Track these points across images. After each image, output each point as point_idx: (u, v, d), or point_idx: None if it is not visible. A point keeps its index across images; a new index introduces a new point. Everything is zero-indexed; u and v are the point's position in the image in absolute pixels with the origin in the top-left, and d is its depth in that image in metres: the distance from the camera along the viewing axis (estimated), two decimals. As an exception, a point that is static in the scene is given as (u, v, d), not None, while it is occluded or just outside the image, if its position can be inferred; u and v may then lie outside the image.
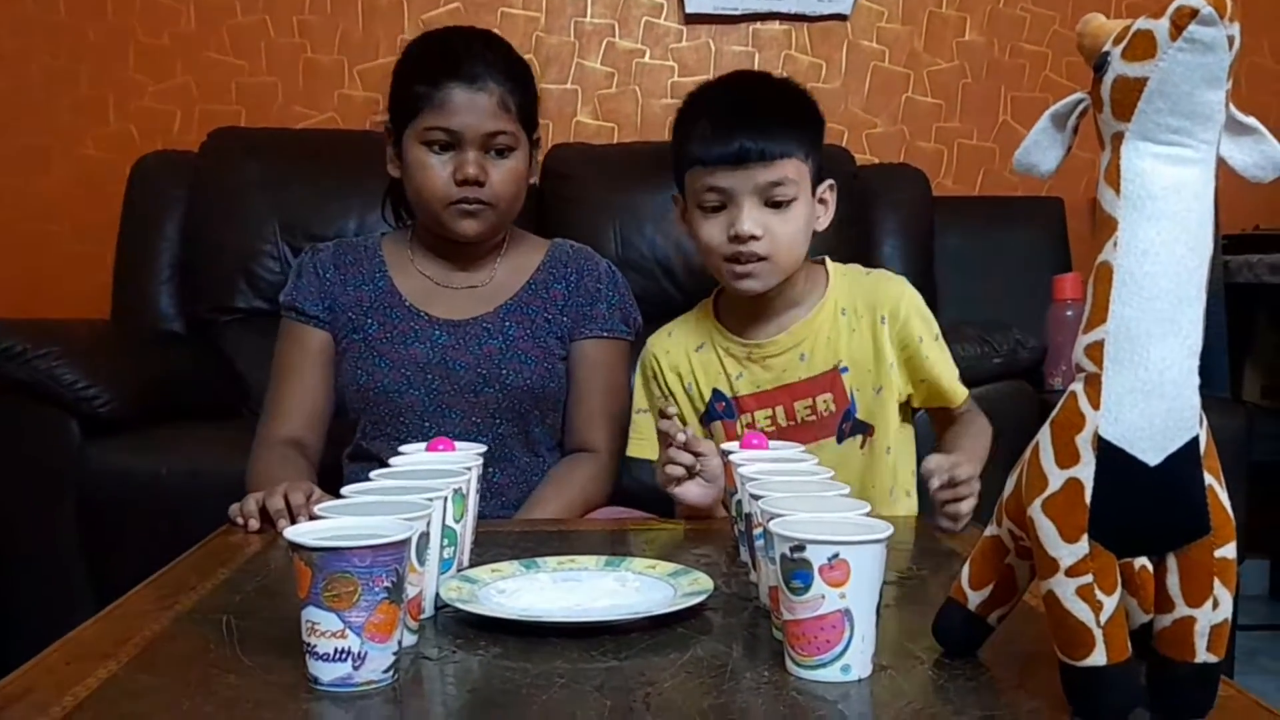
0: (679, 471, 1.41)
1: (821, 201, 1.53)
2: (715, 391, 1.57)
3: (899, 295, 1.55)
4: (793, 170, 1.46)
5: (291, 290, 1.69)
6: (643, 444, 1.61)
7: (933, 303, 1.61)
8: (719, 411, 1.57)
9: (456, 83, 1.58)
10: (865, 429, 1.53)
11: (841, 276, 1.58)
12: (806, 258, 1.55)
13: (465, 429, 1.60)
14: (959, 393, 1.55)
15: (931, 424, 1.61)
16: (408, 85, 1.61)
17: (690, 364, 1.59)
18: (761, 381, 1.55)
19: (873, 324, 1.54)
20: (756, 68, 2.87)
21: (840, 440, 1.53)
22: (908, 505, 1.57)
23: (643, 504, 1.70)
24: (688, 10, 2.84)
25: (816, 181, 1.52)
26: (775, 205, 1.46)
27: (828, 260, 1.61)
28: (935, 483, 1.31)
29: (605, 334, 1.70)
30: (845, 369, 1.53)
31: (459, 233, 1.62)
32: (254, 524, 1.37)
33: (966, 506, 1.33)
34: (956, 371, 1.56)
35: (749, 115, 1.47)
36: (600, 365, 1.70)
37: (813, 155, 1.50)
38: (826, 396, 1.53)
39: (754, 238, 1.45)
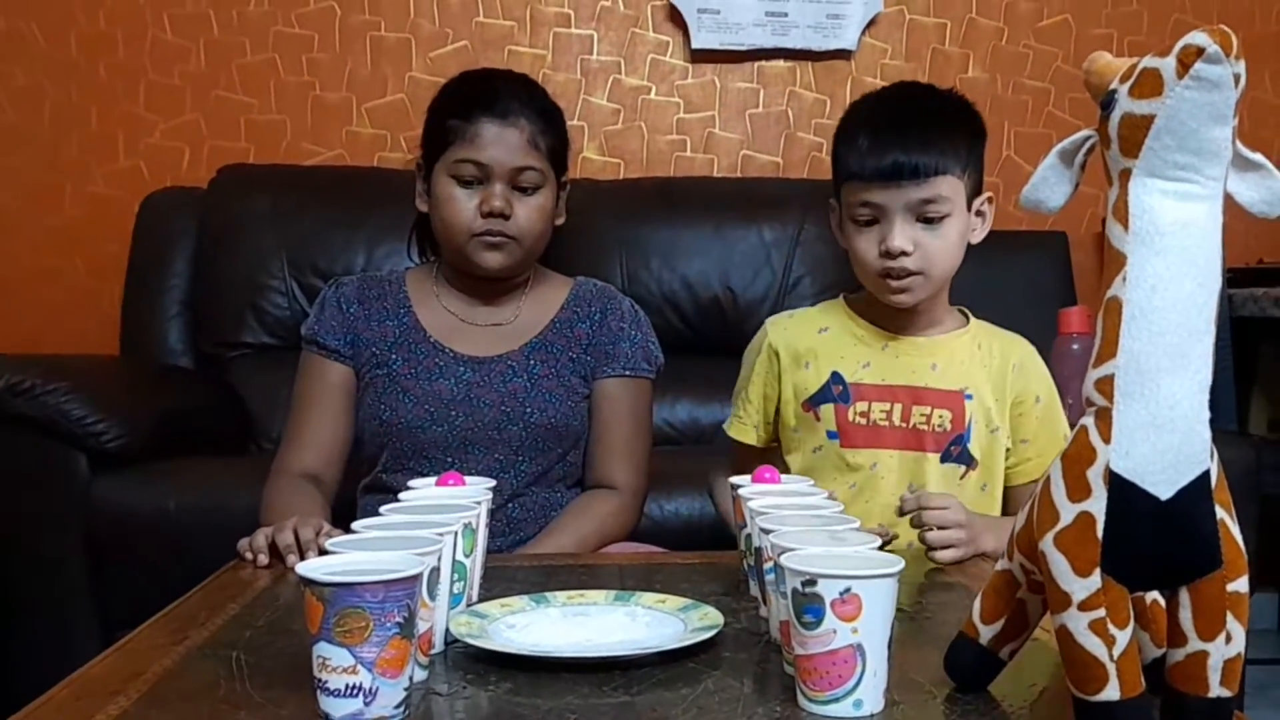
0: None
1: (979, 214, 1.54)
2: (835, 374, 1.55)
3: (1032, 352, 1.58)
4: (946, 187, 1.47)
5: (314, 324, 1.70)
6: (744, 427, 1.61)
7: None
8: (834, 395, 1.54)
9: (488, 117, 1.60)
10: (970, 460, 1.52)
11: (979, 322, 1.60)
12: (952, 291, 1.57)
13: (487, 465, 1.61)
14: (1031, 473, 1.55)
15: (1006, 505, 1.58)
16: (441, 119, 1.63)
17: (812, 344, 1.57)
18: (888, 376, 1.53)
19: (1004, 368, 1.55)
20: (761, 104, 2.90)
21: (944, 460, 1.52)
22: None
23: (660, 540, 1.69)
24: (693, 46, 2.86)
25: (974, 195, 1.52)
26: (927, 221, 1.47)
27: (966, 310, 1.62)
28: (907, 506, 1.39)
29: (628, 373, 1.71)
30: (970, 396, 1.53)
31: (482, 265, 1.63)
32: (263, 559, 1.37)
33: (935, 539, 1.37)
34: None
35: (905, 131, 1.47)
36: (622, 403, 1.70)
37: (971, 170, 1.50)
38: (945, 413, 1.52)
39: (904, 253, 1.46)
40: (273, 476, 1.63)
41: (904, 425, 1.52)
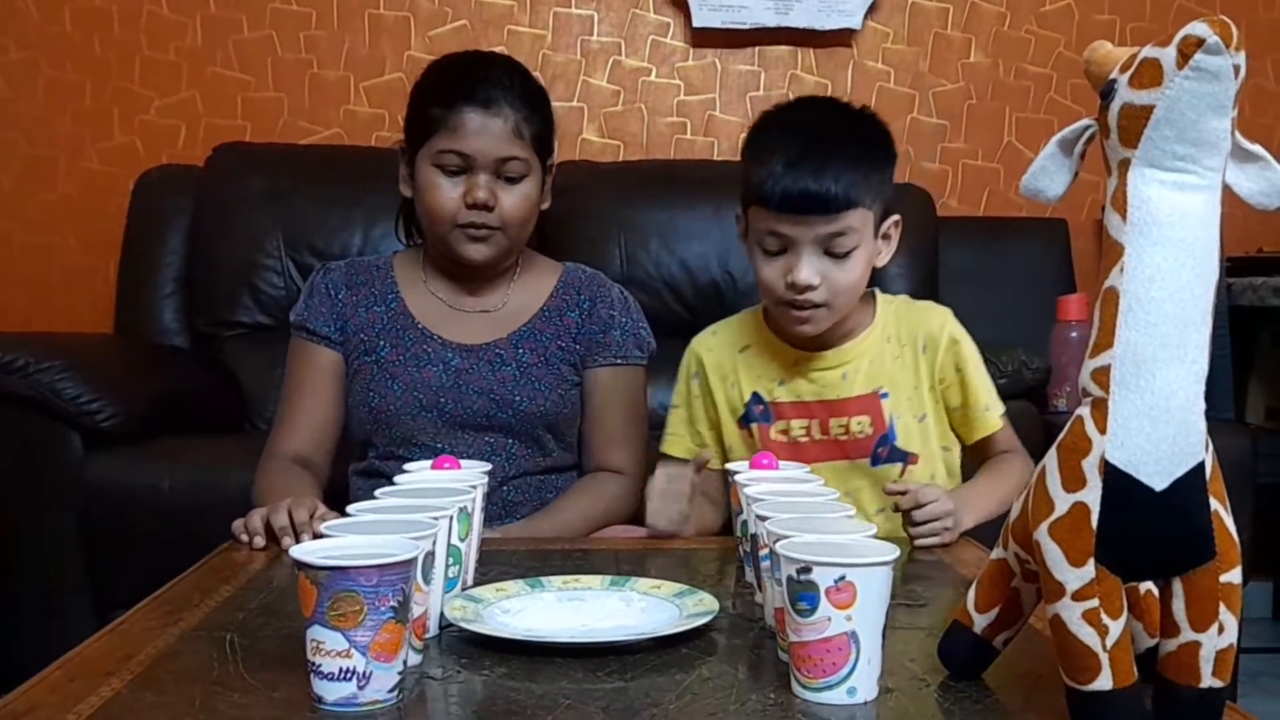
0: (671, 524, 1.44)
1: (885, 237, 1.51)
2: (755, 394, 1.56)
3: (940, 325, 1.56)
4: (857, 220, 1.44)
5: (303, 310, 1.69)
6: (676, 440, 1.62)
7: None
8: (757, 414, 1.56)
9: (471, 106, 1.58)
10: (904, 456, 1.52)
11: (888, 305, 1.58)
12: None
13: (479, 449, 1.61)
14: (989, 422, 1.55)
15: (970, 457, 1.60)
16: (423, 107, 1.61)
17: (734, 363, 1.58)
18: (803, 392, 1.54)
19: (915, 352, 1.54)
20: (762, 87, 2.89)
21: (875, 464, 1.52)
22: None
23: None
24: (695, 25, 2.84)
25: (882, 220, 1.49)
26: (835, 254, 1.44)
27: (877, 291, 1.60)
28: (904, 504, 1.39)
29: (620, 361, 1.71)
30: (886, 394, 1.52)
31: (466, 257, 1.62)
32: (259, 541, 1.37)
33: (915, 531, 1.38)
34: (994, 402, 1.55)
35: (817, 162, 1.42)
36: (617, 391, 1.70)
37: (880, 198, 1.47)
38: (863, 419, 1.52)
39: (810, 287, 1.44)
40: (264, 460, 1.63)
41: (824, 438, 1.53)
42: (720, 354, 1.60)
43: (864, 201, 1.44)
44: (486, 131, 1.58)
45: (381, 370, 1.64)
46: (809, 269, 1.44)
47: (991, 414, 1.55)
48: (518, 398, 1.64)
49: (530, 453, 1.66)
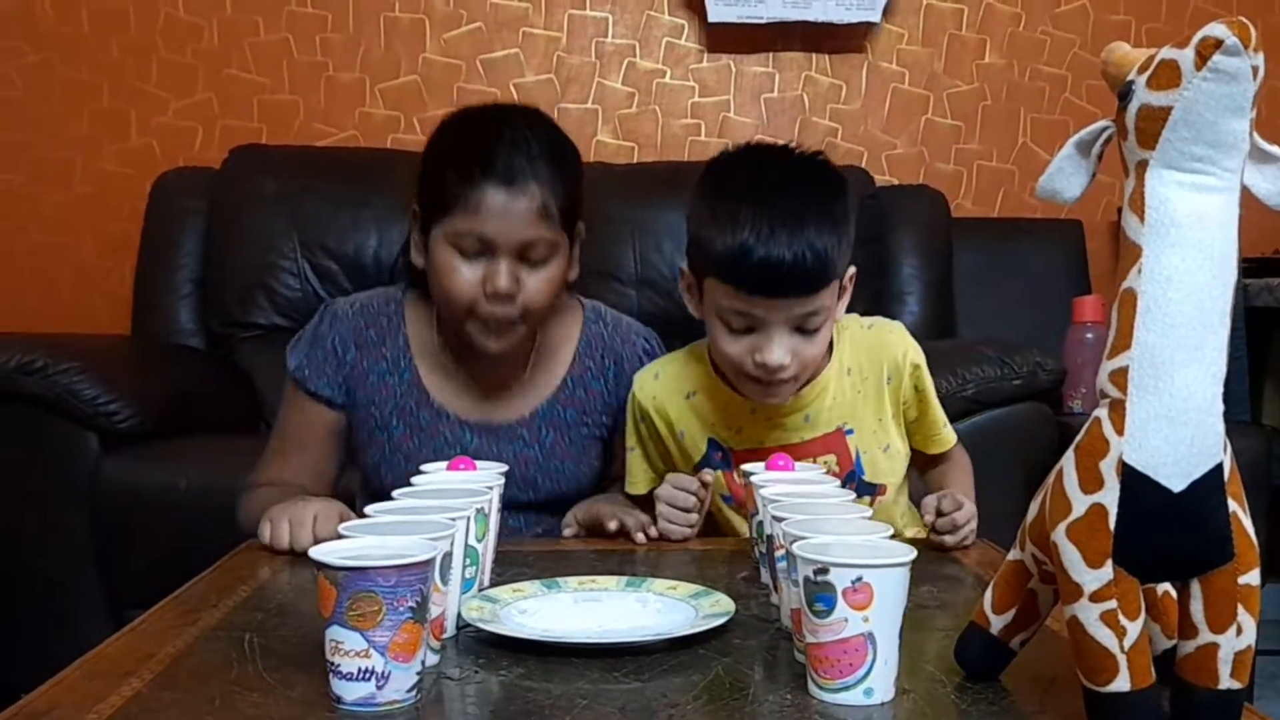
0: (685, 533, 1.42)
1: (841, 289, 1.44)
2: (711, 441, 1.50)
3: (902, 351, 1.49)
4: (829, 296, 1.37)
5: (304, 363, 1.55)
6: (634, 483, 1.56)
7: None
8: (717, 460, 1.50)
9: (492, 182, 1.41)
10: (873, 489, 1.48)
11: (843, 333, 1.50)
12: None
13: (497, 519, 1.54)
14: (946, 438, 1.54)
15: (913, 464, 1.57)
16: (439, 175, 1.46)
17: (680, 411, 1.51)
18: (763, 439, 1.47)
19: (878, 383, 1.48)
20: (776, 89, 2.89)
21: None
22: None
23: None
24: (710, 20, 2.83)
25: (843, 278, 1.43)
26: (805, 330, 1.37)
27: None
28: (928, 519, 1.35)
29: None
30: (850, 430, 1.47)
31: (482, 348, 1.49)
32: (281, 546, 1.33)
33: (954, 540, 1.35)
34: (945, 417, 1.54)
35: (790, 236, 1.32)
36: None
37: (846, 261, 1.40)
38: (829, 458, 1.47)
39: (783, 367, 1.37)
40: (249, 490, 1.55)
41: None
42: (664, 400, 1.51)
43: (837, 273, 1.38)
44: (510, 213, 1.42)
45: (395, 452, 1.55)
46: (781, 350, 1.36)
47: (948, 430, 1.54)
48: (540, 479, 1.57)
49: (554, 518, 1.58)
